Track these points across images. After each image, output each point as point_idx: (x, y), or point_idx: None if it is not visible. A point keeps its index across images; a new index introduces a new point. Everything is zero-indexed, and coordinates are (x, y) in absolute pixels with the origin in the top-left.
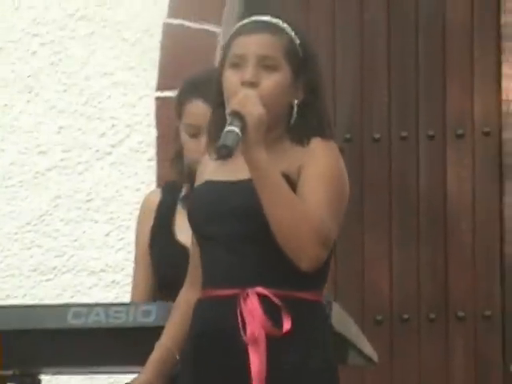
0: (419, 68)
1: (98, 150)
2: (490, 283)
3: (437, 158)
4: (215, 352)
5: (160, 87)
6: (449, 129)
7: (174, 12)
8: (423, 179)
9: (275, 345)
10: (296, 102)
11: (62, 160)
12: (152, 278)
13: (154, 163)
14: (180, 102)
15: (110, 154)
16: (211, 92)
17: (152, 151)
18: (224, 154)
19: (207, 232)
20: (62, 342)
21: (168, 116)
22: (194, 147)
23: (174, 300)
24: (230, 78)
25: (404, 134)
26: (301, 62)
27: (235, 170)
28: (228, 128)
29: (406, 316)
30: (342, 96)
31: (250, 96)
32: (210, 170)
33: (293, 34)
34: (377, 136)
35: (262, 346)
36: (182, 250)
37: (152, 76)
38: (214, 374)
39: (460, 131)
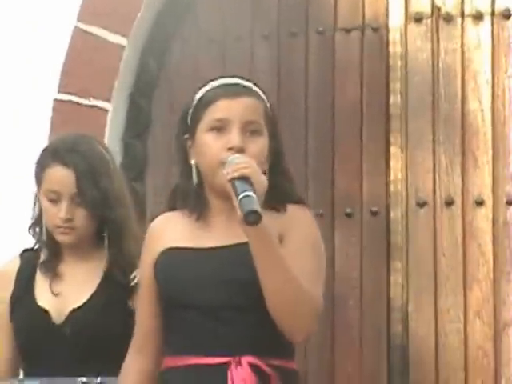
0: (308, 148)
1: None
2: (377, 361)
3: (325, 236)
4: None
5: None
6: (337, 208)
7: (64, 88)
8: None
9: None
10: (267, 166)
11: None
12: (14, 348)
13: None
14: (40, 168)
15: None
16: (73, 157)
17: None
18: (254, 219)
19: (189, 300)
20: None
21: None
22: (55, 212)
23: (37, 370)
24: (212, 143)
25: None
26: (272, 125)
27: (208, 237)
28: (246, 193)
29: None
30: None
31: (253, 162)
32: (174, 237)
33: (264, 97)
34: None
35: None
36: (44, 314)
37: None
38: None
39: (348, 210)
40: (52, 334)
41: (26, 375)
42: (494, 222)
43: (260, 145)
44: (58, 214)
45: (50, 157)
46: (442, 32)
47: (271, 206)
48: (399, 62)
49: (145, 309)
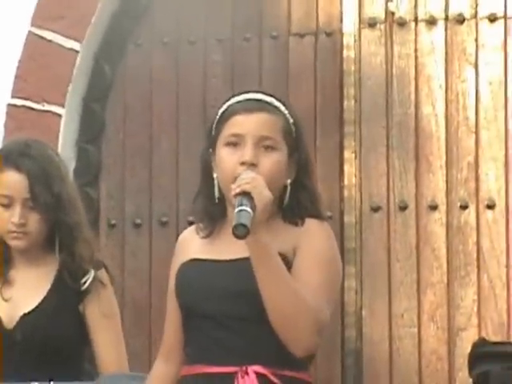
0: None
1: None
2: (331, 366)
3: None
4: None
5: None
6: None
7: (17, 93)
8: None
9: None
10: (289, 181)
11: None
12: None
13: None
14: None
15: None
16: (25, 161)
17: None
18: (241, 232)
19: (203, 310)
20: None
21: None
22: (7, 217)
23: None
24: (227, 158)
25: None
26: (294, 140)
27: (225, 249)
28: (241, 207)
29: None
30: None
31: (258, 178)
32: (196, 249)
33: (287, 112)
34: None
35: None
36: None
37: None
38: None
39: None
40: (3, 339)
41: None
42: (448, 226)
43: (273, 160)
44: (10, 218)
45: (3, 161)
46: (396, 37)
47: (290, 220)
48: (353, 67)
49: (171, 318)
